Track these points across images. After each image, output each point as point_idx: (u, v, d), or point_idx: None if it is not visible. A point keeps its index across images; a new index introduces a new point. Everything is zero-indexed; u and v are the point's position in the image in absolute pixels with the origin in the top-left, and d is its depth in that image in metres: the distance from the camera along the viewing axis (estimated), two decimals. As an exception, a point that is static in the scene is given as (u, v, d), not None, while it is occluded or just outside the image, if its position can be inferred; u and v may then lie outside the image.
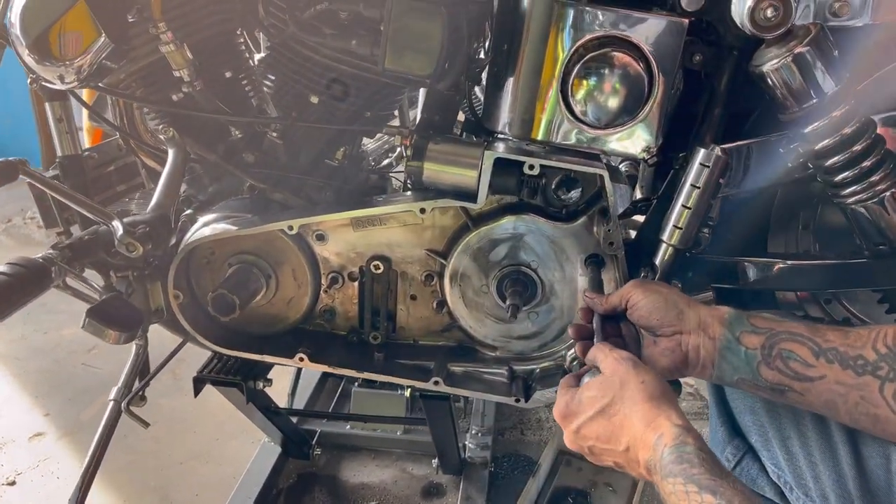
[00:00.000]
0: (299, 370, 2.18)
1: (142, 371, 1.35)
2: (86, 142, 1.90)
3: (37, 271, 1.12)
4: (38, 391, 2.42)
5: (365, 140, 1.54)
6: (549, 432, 2.21)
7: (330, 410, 2.17)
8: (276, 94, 1.31)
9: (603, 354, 0.91)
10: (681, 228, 1.08)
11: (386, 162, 1.68)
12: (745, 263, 1.22)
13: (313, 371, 2.33)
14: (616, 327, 1.01)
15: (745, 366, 0.91)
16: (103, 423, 1.26)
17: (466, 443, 2.00)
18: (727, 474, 0.74)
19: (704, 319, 0.94)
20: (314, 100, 1.26)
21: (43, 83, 1.21)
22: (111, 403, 1.29)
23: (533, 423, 2.26)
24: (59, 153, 1.38)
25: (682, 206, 1.06)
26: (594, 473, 1.99)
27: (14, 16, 1.14)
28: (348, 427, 2.10)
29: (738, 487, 0.72)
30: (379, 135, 1.76)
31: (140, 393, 1.30)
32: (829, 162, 1.03)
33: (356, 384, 2.10)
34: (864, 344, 0.85)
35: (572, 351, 1.30)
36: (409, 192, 1.31)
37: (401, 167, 1.63)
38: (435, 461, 1.98)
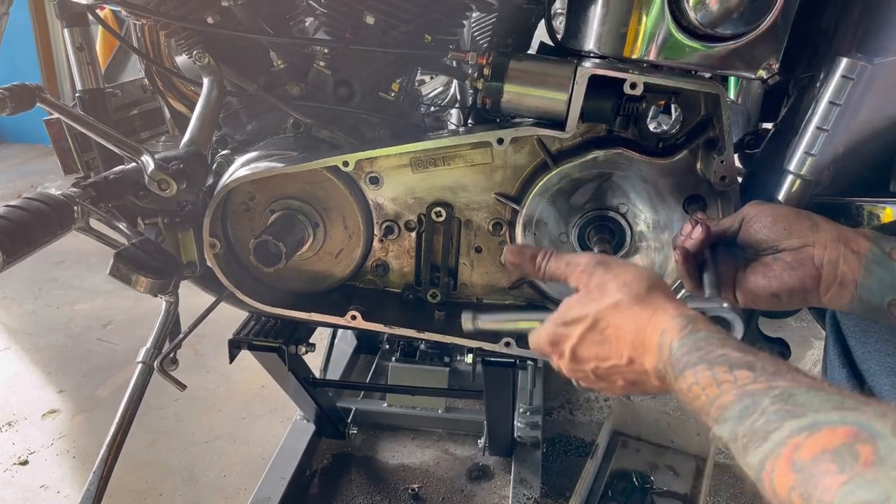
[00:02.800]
0: (332, 342, 2.03)
1: (172, 331, 1.20)
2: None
3: (58, 209, 0.97)
4: (50, 367, 2.28)
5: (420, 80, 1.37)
6: (600, 412, 2.06)
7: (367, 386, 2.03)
8: (325, 15, 1.15)
9: (567, 266, 0.80)
10: (814, 156, 0.91)
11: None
12: (863, 205, 1.06)
13: (345, 346, 2.19)
14: (728, 252, 0.86)
15: None
16: (131, 386, 1.11)
17: (515, 422, 1.84)
18: (757, 350, 0.61)
19: (845, 233, 0.79)
20: (370, 20, 1.10)
21: (63, -3, 1.05)
22: (140, 365, 1.13)
23: (582, 402, 2.10)
24: (78, 86, 1.23)
25: (818, 128, 0.90)
26: (653, 455, 1.84)
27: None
28: (385, 405, 1.95)
29: (775, 359, 0.59)
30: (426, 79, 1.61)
31: (172, 355, 1.15)
32: None
33: (393, 359, 1.95)
34: None
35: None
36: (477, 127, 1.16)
37: (454, 110, 1.48)
38: (480, 441, 1.82)
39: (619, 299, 0.71)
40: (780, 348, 1.13)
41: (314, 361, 1.97)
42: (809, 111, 0.92)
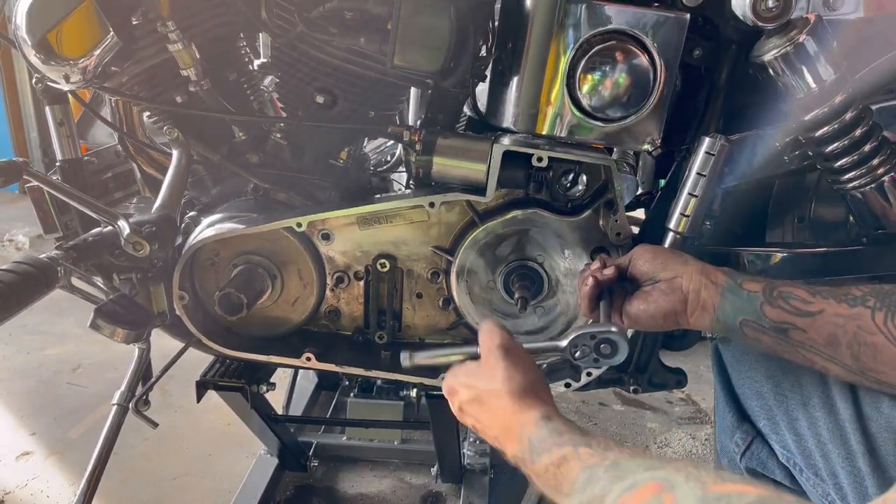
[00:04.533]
0: (294, 381, 2.16)
1: (144, 375, 1.33)
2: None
3: (44, 270, 1.11)
4: (23, 411, 2.36)
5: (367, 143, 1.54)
6: (546, 439, 2.21)
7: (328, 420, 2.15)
8: (281, 94, 1.32)
9: (484, 336, 0.96)
10: (687, 216, 1.10)
11: (386, 167, 1.69)
12: (744, 253, 1.25)
13: (307, 383, 2.31)
14: (619, 284, 1.05)
15: (748, 306, 0.94)
16: (107, 426, 1.24)
17: (465, 450, 1.98)
18: (593, 434, 0.78)
19: (707, 267, 0.99)
20: (319, 100, 1.27)
21: (48, 83, 1.20)
22: (115, 407, 1.26)
23: (529, 430, 2.25)
24: (59, 157, 1.37)
25: (689, 194, 1.09)
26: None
27: (20, 16, 1.14)
28: (345, 438, 2.08)
29: (607, 439, 0.76)
30: (377, 139, 1.78)
31: (144, 396, 1.28)
32: (830, 148, 1.06)
33: (351, 395, 2.09)
34: (847, 287, 0.90)
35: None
36: (412, 191, 1.33)
37: (402, 169, 1.65)
38: (434, 469, 1.96)
39: (499, 388, 0.87)
40: (678, 376, 1.31)
41: (278, 398, 2.10)
42: (683, 179, 1.11)
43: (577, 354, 0.96)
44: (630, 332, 1.15)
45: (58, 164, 1.37)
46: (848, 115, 1.03)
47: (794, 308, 0.92)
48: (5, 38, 1.24)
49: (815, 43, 1.00)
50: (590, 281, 1.03)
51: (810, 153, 1.10)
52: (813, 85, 1.02)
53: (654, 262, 1.01)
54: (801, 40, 1.00)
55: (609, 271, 1.03)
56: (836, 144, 1.05)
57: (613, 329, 0.95)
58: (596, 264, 1.07)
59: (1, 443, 2.18)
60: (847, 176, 1.07)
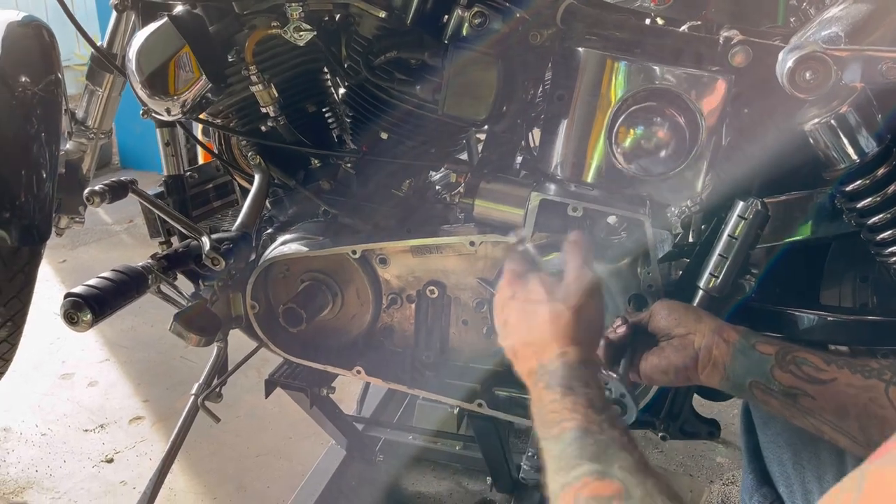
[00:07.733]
0: (369, 380, 2.31)
1: (221, 370, 1.51)
2: (200, 158, 2.08)
3: (136, 278, 1.29)
4: (140, 379, 2.68)
5: (434, 173, 1.63)
6: (608, 462, 2.23)
7: (395, 420, 2.28)
8: (350, 128, 1.44)
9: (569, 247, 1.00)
10: (716, 276, 1.10)
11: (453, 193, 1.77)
12: (792, 313, 1.23)
13: (383, 381, 2.46)
14: (642, 338, 1.07)
15: (758, 368, 0.94)
16: (183, 415, 1.42)
17: (522, 464, 2.04)
18: (608, 405, 0.79)
19: (721, 326, 0.99)
20: (384, 136, 1.38)
21: (153, 114, 1.38)
22: (191, 398, 1.44)
23: (592, 450, 2.27)
24: (164, 173, 1.57)
25: (719, 255, 1.09)
26: None
27: (131, 54, 1.32)
28: (411, 437, 2.20)
29: (618, 416, 0.76)
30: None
31: (217, 390, 1.46)
32: (872, 221, 1.03)
33: (421, 397, 2.20)
34: (866, 359, 0.89)
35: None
36: (468, 224, 1.41)
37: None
38: (489, 478, 2.04)
39: (580, 302, 0.91)
40: (711, 427, 1.31)
41: (356, 391, 2.27)
42: (716, 240, 1.11)
43: None
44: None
45: (163, 179, 1.57)
46: (891, 189, 1.00)
47: (805, 374, 0.91)
48: (121, 71, 1.43)
49: (858, 115, 0.98)
50: (602, 344, 1.07)
51: (853, 223, 1.07)
52: (854, 157, 1.00)
53: (668, 319, 1.03)
54: (842, 111, 0.98)
55: (621, 329, 1.06)
56: (878, 217, 1.02)
57: (623, 391, 0.98)
58: (618, 323, 1.10)
59: (119, 406, 2.50)
60: (890, 250, 1.04)
